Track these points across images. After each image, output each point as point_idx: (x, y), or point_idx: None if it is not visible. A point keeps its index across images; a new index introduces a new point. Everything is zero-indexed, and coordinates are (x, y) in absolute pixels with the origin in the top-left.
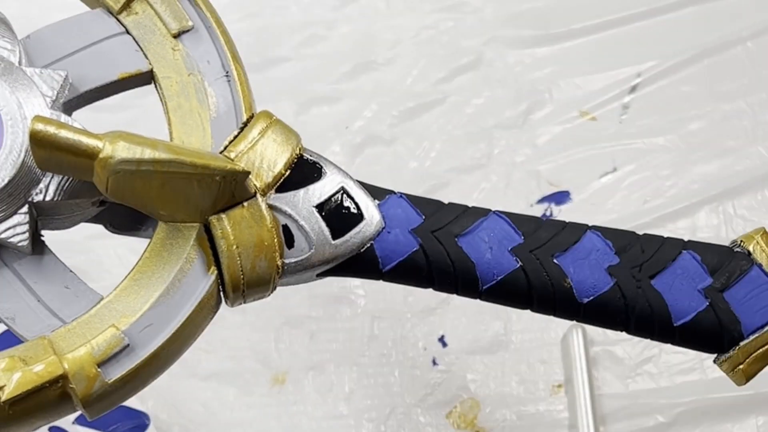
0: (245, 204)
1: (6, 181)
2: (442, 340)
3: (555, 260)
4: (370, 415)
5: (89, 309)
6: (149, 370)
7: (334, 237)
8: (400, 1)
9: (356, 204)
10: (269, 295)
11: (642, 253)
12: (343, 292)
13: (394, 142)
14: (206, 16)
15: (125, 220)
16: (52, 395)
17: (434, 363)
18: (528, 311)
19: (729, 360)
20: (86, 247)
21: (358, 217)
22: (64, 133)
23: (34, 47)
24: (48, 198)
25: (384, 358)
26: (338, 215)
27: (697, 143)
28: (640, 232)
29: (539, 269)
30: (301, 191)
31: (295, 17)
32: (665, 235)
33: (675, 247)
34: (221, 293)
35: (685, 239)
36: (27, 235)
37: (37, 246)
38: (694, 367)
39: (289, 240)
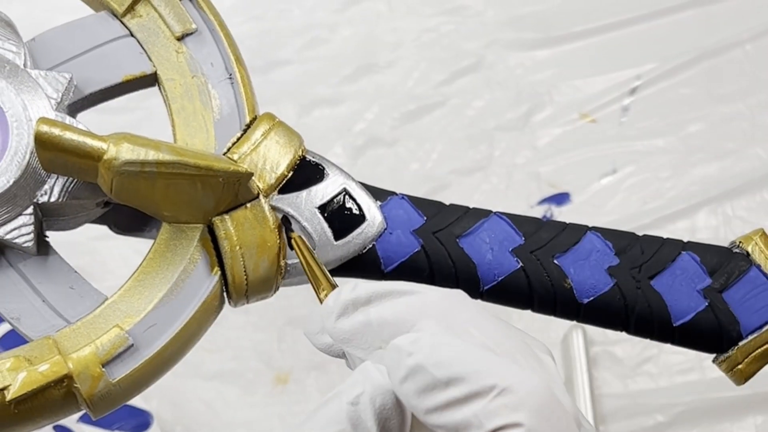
0: (248, 205)
1: (11, 182)
2: None
3: (555, 261)
4: None
5: (94, 309)
6: (153, 370)
7: (337, 238)
8: (401, 4)
9: (358, 205)
10: (272, 295)
11: (642, 254)
12: None
13: (395, 144)
14: (210, 19)
15: (129, 221)
16: (56, 395)
17: None
18: (529, 311)
19: (728, 360)
20: (91, 248)
21: (360, 218)
22: (68, 135)
23: (39, 50)
24: (53, 199)
25: None
26: (340, 216)
27: (697, 145)
28: (640, 233)
29: (540, 270)
30: (304, 192)
31: (297, 20)
32: (665, 236)
33: (674, 248)
34: (224, 294)
35: (685, 240)
36: (32, 235)
37: (42, 247)
38: (693, 367)
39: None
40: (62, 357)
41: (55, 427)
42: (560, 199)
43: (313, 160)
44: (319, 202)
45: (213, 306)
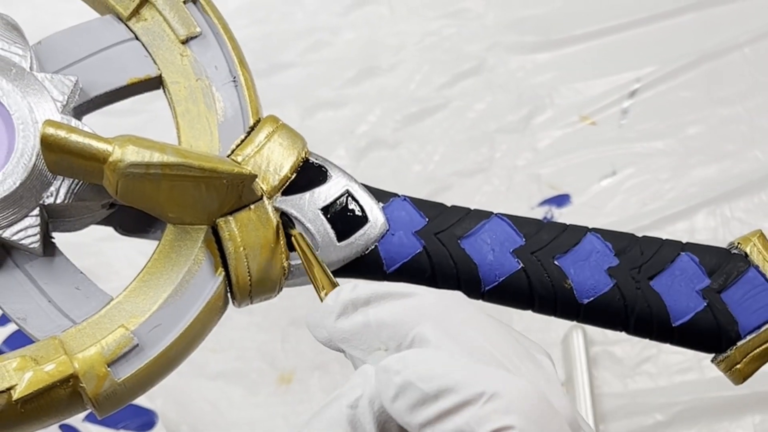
0: (252, 207)
1: (18, 184)
2: None
3: (556, 262)
4: None
5: (99, 309)
6: (158, 370)
7: (339, 239)
8: (403, 8)
9: (361, 207)
10: (276, 296)
11: (641, 255)
12: None
13: (397, 146)
14: (214, 22)
15: (134, 222)
16: (62, 394)
17: None
18: (529, 312)
19: (726, 360)
20: (96, 249)
21: (363, 219)
22: (74, 137)
23: (45, 53)
24: (59, 201)
25: None
26: (343, 218)
27: (696, 147)
28: (640, 235)
29: (540, 270)
30: (307, 194)
31: (300, 23)
32: (664, 238)
33: (673, 248)
34: (228, 294)
35: (684, 241)
36: (38, 237)
37: (48, 248)
38: (692, 367)
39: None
40: (68, 357)
41: (61, 426)
42: (560, 200)
43: (316, 162)
44: (322, 204)
45: (217, 306)
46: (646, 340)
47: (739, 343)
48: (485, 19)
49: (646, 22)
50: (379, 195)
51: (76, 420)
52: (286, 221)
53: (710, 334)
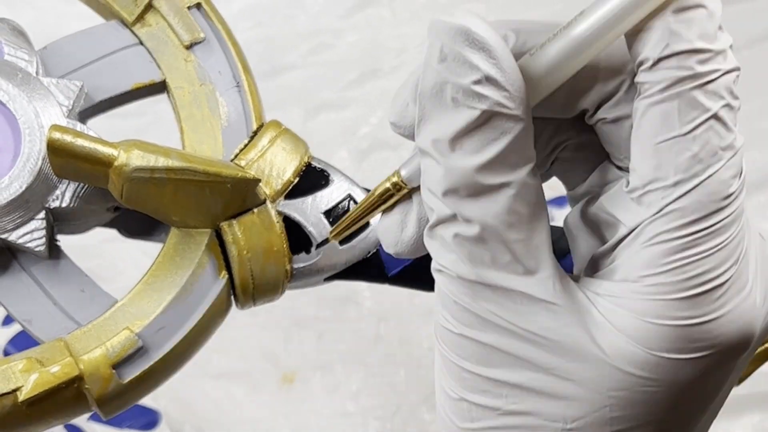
0: (255, 210)
1: (24, 187)
2: None
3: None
4: (376, 413)
5: (104, 312)
6: (162, 371)
7: (341, 243)
8: (405, 11)
9: None
10: (279, 297)
11: None
12: (350, 294)
13: (399, 148)
14: (217, 28)
15: (139, 225)
16: (68, 395)
17: None
18: None
19: None
20: (101, 252)
21: (365, 223)
22: (80, 142)
23: (51, 58)
24: (64, 204)
25: (390, 358)
26: None
27: None
28: None
29: None
30: (310, 198)
31: (303, 26)
32: None
33: None
34: (232, 296)
35: None
36: (44, 240)
37: (54, 251)
38: None
39: (303, 243)
40: (73, 359)
41: (67, 427)
42: (560, 201)
43: (319, 166)
44: (325, 208)
45: (221, 309)
46: None
47: None
48: None
49: None
50: None
51: (81, 420)
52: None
53: None
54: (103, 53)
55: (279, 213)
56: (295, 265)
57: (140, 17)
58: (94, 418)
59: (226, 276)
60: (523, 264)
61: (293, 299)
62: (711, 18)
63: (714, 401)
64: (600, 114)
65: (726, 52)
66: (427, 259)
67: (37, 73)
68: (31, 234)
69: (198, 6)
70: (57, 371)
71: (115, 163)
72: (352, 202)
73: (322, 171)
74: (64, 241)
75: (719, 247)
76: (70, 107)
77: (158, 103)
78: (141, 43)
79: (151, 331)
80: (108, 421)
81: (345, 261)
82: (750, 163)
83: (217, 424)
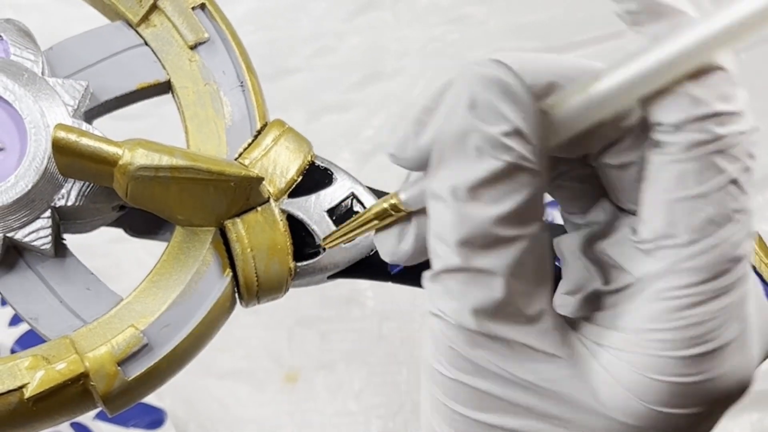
0: (259, 209)
1: (29, 186)
2: None
3: (557, 263)
4: (378, 412)
5: (109, 310)
6: (167, 369)
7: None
8: (407, 14)
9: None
10: (282, 296)
11: None
12: (353, 293)
13: None
14: (221, 28)
15: (144, 224)
16: (73, 392)
17: None
18: None
19: None
20: (106, 251)
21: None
22: (85, 141)
23: (57, 58)
24: (70, 203)
25: (392, 357)
26: (348, 219)
27: None
28: None
29: None
30: (313, 196)
31: (306, 29)
32: None
33: None
34: (236, 294)
35: None
36: (50, 238)
37: (60, 249)
38: None
39: (307, 241)
40: (79, 356)
41: (72, 425)
42: None
43: (322, 165)
44: (328, 206)
45: (225, 306)
46: None
47: None
48: (487, 25)
49: None
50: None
51: (87, 418)
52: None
53: None
54: (108, 53)
55: (282, 211)
56: (299, 263)
57: (145, 18)
58: (100, 416)
59: (231, 274)
60: (525, 315)
61: (297, 299)
62: (729, 79)
63: None
64: (604, 159)
65: (744, 112)
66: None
67: (42, 73)
68: (37, 232)
69: (202, 6)
70: (63, 368)
71: (120, 162)
72: (355, 200)
73: (326, 169)
74: (70, 240)
75: (726, 307)
76: (76, 107)
77: (163, 105)
78: (146, 43)
79: (156, 328)
80: (113, 419)
81: (348, 259)
82: None
83: (222, 422)
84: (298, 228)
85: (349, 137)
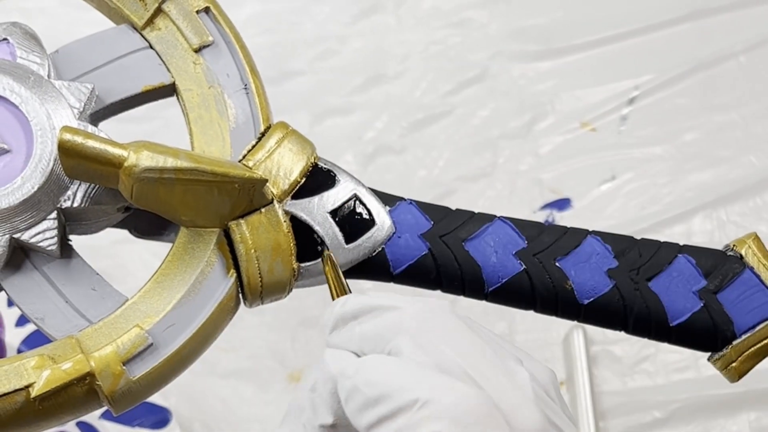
0: (263, 210)
1: (36, 188)
2: None
3: (557, 263)
4: None
5: (115, 310)
6: (172, 368)
7: (347, 241)
8: (409, 18)
9: (368, 210)
10: (286, 296)
11: (640, 257)
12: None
13: (404, 152)
14: (226, 31)
15: (149, 225)
16: (79, 392)
17: None
18: (531, 312)
19: (722, 358)
20: (112, 252)
21: (370, 222)
22: (90, 143)
23: (63, 61)
24: (75, 204)
25: None
26: (351, 221)
27: (692, 153)
28: (638, 237)
29: (542, 272)
30: (316, 198)
31: (309, 33)
32: (662, 240)
33: (671, 250)
34: (240, 295)
35: (681, 244)
36: (56, 239)
37: (66, 250)
38: (689, 366)
39: (312, 242)
40: (85, 356)
41: (78, 424)
42: (561, 204)
43: (325, 166)
44: (331, 207)
45: (229, 307)
46: (645, 340)
47: (734, 342)
48: (488, 28)
49: (644, 32)
50: (386, 199)
51: (93, 417)
52: (323, 247)
53: (707, 333)
54: (114, 56)
55: (286, 212)
56: (302, 264)
57: (150, 21)
58: (106, 416)
59: (234, 274)
60: None
61: (300, 299)
62: None
63: None
64: None
65: None
66: (432, 257)
67: (48, 75)
68: (43, 234)
69: (207, 10)
70: (69, 368)
71: (125, 164)
72: (357, 201)
73: (329, 171)
74: (76, 241)
75: None
76: (82, 109)
77: (168, 107)
78: (151, 46)
79: (161, 328)
80: (119, 418)
81: (351, 260)
82: (747, 166)
83: (226, 421)
84: (301, 229)
85: (352, 139)
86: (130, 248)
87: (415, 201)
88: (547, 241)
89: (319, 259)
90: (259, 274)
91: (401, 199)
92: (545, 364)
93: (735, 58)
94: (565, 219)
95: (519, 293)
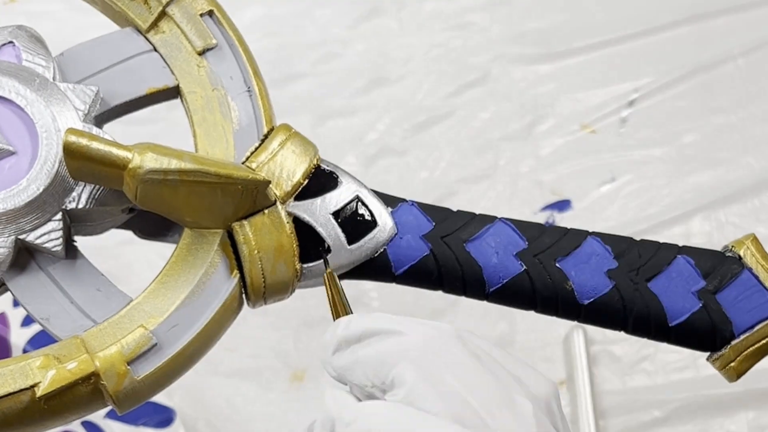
0: (266, 211)
1: (41, 189)
2: None
3: (557, 264)
4: None
5: (119, 310)
6: (176, 368)
7: (350, 242)
8: (411, 21)
9: (370, 211)
10: (289, 297)
11: (639, 258)
12: (358, 294)
13: (405, 154)
14: (229, 34)
15: (153, 226)
16: (84, 391)
17: None
18: (532, 312)
19: (721, 358)
20: (116, 253)
21: (372, 223)
22: (95, 145)
23: (68, 64)
24: (80, 206)
25: None
26: (353, 222)
27: (691, 155)
28: (638, 238)
29: (542, 273)
30: (319, 199)
31: (312, 36)
32: (661, 241)
33: (670, 251)
34: (243, 295)
35: (680, 245)
36: (61, 240)
37: (71, 251)
38: (688, 365)
39: (314, 243)
40: (89, 355)
41: (83, 423)
42: (562, 205)
43: (328, 168)
44: (333, 209)
45: (232, 307)
46: (644, 340)
47: (733, 342)
48: (490, 32)
49: (644, 35)
50: (388, 200)
51: (98, 417)
52: (326, 262)
53: (705, 333)
54: (119, 59)
55: (289, 214)
56: (305, 265)
57: (154, 24)
58: (111, 415)
59: (238, 275)
60: None
61: (303, 299)
62: None
63: None
64: None
65: None
66: (433, 258)
67: (54, 78)
68: (48, 235)
69: (210, 13)
70: (74, 367)
71: (130, 166)
72: (360, 203)
73: (331, 173)
74: (80, 242)
75: None
76: (86, 112)
77: (172, 109)
78: (155, 49)
79: (165, 328)
80: (123, 418)
81: (353, 260)
82: (745, 168)
83: (230, 420)
84: (304, 230)
85: (354, 141)
86: (135, 249)
87: (416, 202)
88: (547, 242)
89: (321, 260)
90: (263, 274)
91: (403, 200)
92: (546, 376)
93: (733, 61)
94: (565, 220)
95: (520, 294)
